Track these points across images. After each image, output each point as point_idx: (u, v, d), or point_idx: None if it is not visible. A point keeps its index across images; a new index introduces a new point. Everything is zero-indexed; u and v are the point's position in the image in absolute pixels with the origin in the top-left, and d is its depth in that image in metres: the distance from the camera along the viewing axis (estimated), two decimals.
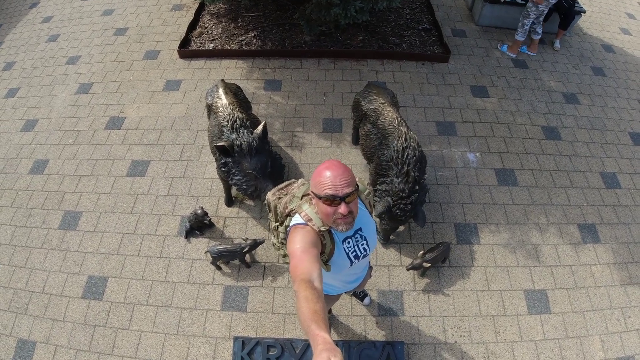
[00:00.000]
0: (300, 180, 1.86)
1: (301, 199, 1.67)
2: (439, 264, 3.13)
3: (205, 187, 3.62)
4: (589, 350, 2.82)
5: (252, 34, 4.94)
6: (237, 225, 3.39)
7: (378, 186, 2.95)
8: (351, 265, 1.69)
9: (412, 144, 2.82)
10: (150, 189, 3.62)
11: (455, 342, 2.83)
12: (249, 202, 3.52)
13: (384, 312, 2.95)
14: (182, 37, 4.86)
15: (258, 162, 2.68)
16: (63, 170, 3.81)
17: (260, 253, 3.22)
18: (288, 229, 1.62)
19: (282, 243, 1.78)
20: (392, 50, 4.81)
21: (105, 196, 3.59)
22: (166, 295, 3.03)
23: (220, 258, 3.00)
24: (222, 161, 2.82)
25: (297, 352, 2.69)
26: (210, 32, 5.02)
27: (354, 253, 1.68)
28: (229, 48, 4.78)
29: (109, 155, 3.89)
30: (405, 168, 2.76)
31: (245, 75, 4.59)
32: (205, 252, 3.09)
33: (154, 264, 3.18)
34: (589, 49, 5.13)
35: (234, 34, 4.96)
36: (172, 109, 4.25)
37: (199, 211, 3.16)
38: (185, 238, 3.30)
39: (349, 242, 1.65)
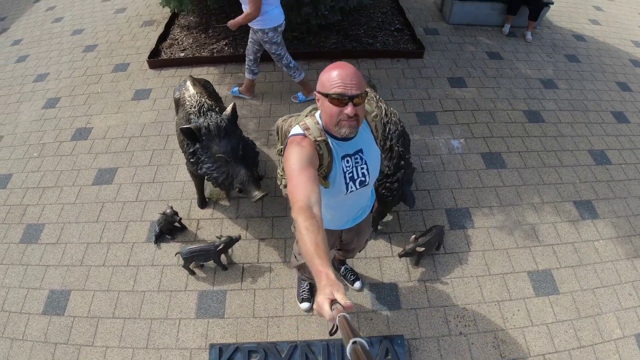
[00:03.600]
0: (310, 106, 1.76)
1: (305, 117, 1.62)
2: (433, 250, 2.89)
3: (176, 190, 3.35)
4: (605, 329, 2.57)
5: (224, 42, 4.84)
6: (212, 227, 3.11)
7: None
8: (347, 191, 1.59)
9: (393, 118, 2.66)
10: (118, 196, 3.33)
11: (460, 332, 2.55)
12: (224, 203, 3.26)
13: (378, 306, 2.67)
14: (152, 49, 4.72)
15: (228, 144, 2.45)
16: (26, 183, 3.51)
17: (238, 254, 2.93)
18: (286, 140, 1.54)
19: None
20: (366, 48, 4.75)
21: (70, 206, 3.29)
22: (134, 306, 2.69)
23: (193, 260, 2.70)
24: (191, 150, 2.59)
25: (283, 355, 2.36)
26: (180, 43, 4.90)
27: (351, 174, 1.57)
28: (199, 56, 4.65)
29: (75, 166, 3.61)
30: (388, 143, 2.57)
31: (217, 80, 4.43)
32: (175, 254, 2.79)
33: (120, 273, 2.85)
34: (561, 39, 5.17)
35: (205, 43, 4.85)
36: (142, 117, 4.03)
37: (168, 211, 2.88)
38: (155, 243, 2.99)
39: (347, 161, 1.55)
